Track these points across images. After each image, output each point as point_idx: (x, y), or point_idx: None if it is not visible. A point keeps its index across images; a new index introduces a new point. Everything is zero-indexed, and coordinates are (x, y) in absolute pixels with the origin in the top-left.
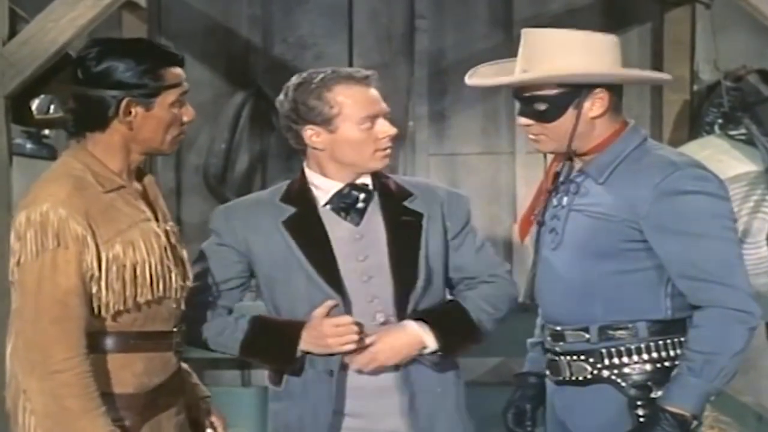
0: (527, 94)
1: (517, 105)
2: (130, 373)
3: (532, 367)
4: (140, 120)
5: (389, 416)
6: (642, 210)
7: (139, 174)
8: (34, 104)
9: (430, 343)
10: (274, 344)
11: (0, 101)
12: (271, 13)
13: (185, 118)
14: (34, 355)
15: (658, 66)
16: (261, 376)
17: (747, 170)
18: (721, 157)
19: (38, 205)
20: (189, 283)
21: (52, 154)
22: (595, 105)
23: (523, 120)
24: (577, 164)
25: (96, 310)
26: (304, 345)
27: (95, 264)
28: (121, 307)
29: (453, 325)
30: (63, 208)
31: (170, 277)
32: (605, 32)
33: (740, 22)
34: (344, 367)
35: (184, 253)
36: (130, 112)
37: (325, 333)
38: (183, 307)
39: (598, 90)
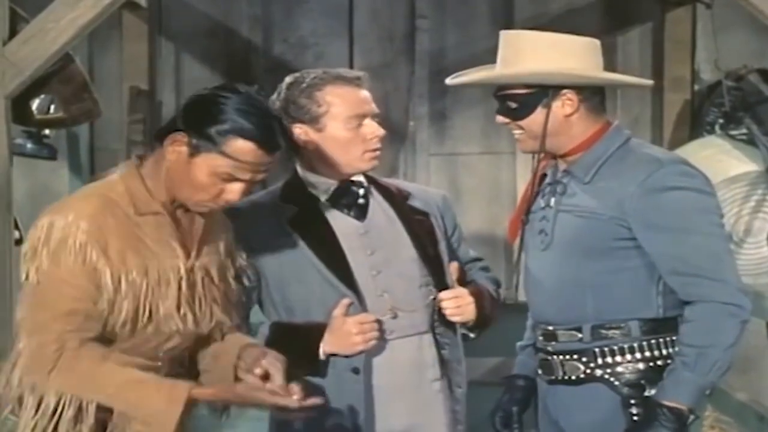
0: (501, 93)
1: None
2: None
3: (520, 370)
4: (180, 161)
5: (417, 412)
6: (629, 207)
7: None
8: (35, 104)
9: (475, 318)
10: (297, 349)
11: (0, 101)
12: (271, 13)
13: (224, 196)
14: (44, 337)
15: (659, 66)
16: None
17: (748, 170)
18: (722, 157)
19: (63, 215)
20: (203, 326)
21: (52, 154)
22: (564, 105)
23: (499, 118)
24: (562, 165)
25: (113, 325)
26: (328, 347)
27: (109, 284)
28: (124, 329)
29: (483, 301)
30: (85, 222)
31: (177, 317)
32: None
33: (741, 21)
34: (368, 365)
35: (213, 292)
36: (177, 146)
37: (350, 332)
38: (190, 341)
39: (566, 91)
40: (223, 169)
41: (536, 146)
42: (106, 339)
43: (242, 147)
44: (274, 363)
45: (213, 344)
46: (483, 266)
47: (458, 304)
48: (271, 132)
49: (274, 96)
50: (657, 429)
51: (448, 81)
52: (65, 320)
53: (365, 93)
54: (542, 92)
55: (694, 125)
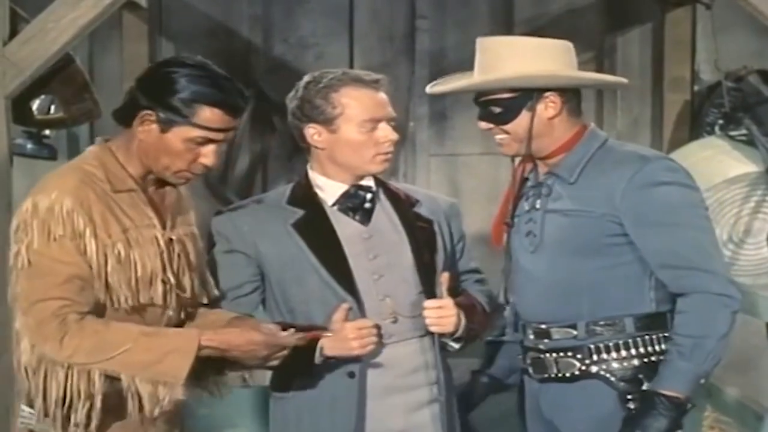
0: (483, 99)
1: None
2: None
3: (490, 369)
4: (152, 137)
5: (411, 415)
6: (619, 203)
7: (162, 182)
8: (35, 104)
9: (462, 327)
10: (294, 351)
11: (0, 101)
12: (271, 14)
13: (201, 160)
14: (40, 315)
15: (658, 66)
16: (261, 375)
17: (747, 171)
18: (722, 157)
19: (46, 194)
20: (186, 295)
21: (52, 154)
22: (548, 107)
23: (483, 124)
24: (543, 168)
25: (105, 297)
26: (327, 351)
27: (94, 258)
28: (108, 305)
29: (474, 314)
30: (69, 198)
31: (160, 286)
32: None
33: (741, 22)
34: (365, 370)
35: (191, 263)
36: (146, 124)
37: (347, 337)
38: (177, 315)
39: (549, 93)
40: (195, 137)
41: (521, 149)
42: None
43: (210, 115)
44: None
45: (201, 316)
46: (479, 279)
47: (439, 315)
48: (233, 95)
49: (292, 93)
50: (656, 418)
51: (429, 89)
52: (60, 296)
53: (382, 96)
54: (526, 95)
55: (693, 126)
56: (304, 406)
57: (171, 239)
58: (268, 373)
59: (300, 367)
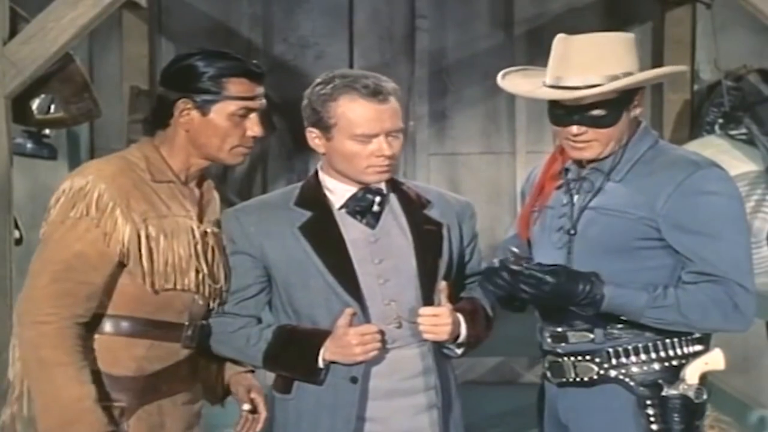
0: (584, 102)
1: (555, 113)
2: (128, 355)
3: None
4: (196, 124)
5: (411, 419)
6: (661, 207)
7: (201, 179)
8: (35, 104)
9: (463, 333)
10: (297, 355)
11: (0, 101)
12: (272, 13)
13: (249, 133)
14: (27, 304)
15: (658, 66)
16: (261, 375)
17: (747, 170)
18: (722, 156)
19: (83, 176)
20: (219, 285)
21: (52, 154)
22: (638, 105)
23: (576, 129)
24: (587, 162)
25: (141, 280)
26: (329, 355)
27: (129, 239)
28: (144, 287)
29: (477, 319)
30: (104, 182)
31: (194, 274)
32: (606, 32)
33: (740, 21)
34: (367, 374)
35: (223, 256)
36: (185, 114)
37: (351, 342)
38: (205, 304)
39: (640, 91)
40: (236, 110)
41: (605, 152)
42: (130, 301)
43: (238, 85)
44: (259, 397)
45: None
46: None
47: (433, 323)
48: (248, 64)
49: (307, 91)
50: (574, 288)
51: (535, 95)
52: (54, 293)
53: (386, 109)
54: (628, 95)
55: (693, 125)
56: (304, 408)
57: (206, 232)
58: (271, 374)
59: (302, 372)
